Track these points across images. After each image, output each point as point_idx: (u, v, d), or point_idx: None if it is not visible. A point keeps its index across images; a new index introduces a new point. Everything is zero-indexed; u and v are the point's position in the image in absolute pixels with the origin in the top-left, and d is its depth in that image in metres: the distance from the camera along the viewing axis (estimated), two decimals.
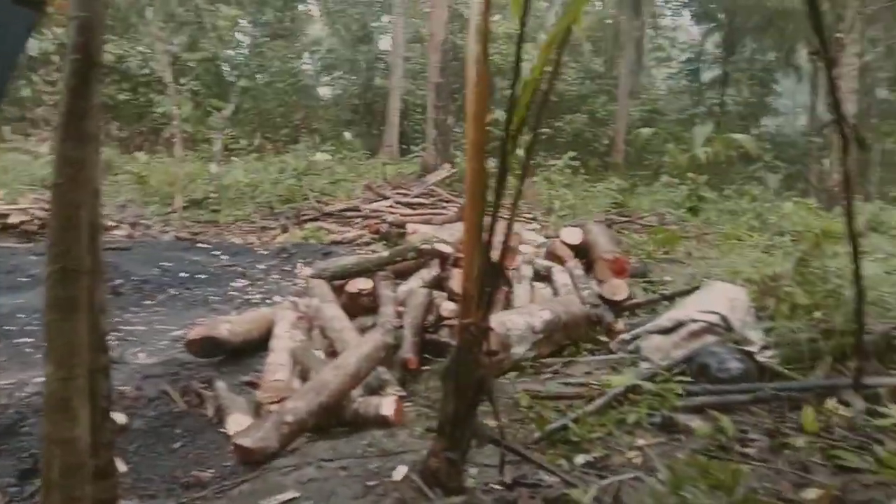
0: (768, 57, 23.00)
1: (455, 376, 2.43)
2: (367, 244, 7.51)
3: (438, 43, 13.64)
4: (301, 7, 23.03)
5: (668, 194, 12.60)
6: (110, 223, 8.22)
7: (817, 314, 3.88)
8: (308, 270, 4.47)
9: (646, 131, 15.73)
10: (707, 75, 25.44)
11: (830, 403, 3.18)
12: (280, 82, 19.81)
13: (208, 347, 3.95)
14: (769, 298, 4.21)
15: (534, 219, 9.27)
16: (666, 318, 4.08)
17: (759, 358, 3.59)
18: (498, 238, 2.52)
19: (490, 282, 2.56)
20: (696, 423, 3.01)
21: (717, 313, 3.93)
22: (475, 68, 2.48)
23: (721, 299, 4.10)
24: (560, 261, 5.05)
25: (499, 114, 2.32)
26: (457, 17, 20.12)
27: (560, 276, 4.78)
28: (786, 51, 22.24)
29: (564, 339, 4.18)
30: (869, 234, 9.13)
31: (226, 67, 18.69)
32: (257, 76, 19.00)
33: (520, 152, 2.56)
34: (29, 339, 4.24)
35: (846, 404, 3.13)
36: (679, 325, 3.97)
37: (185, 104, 10.98)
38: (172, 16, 14.07)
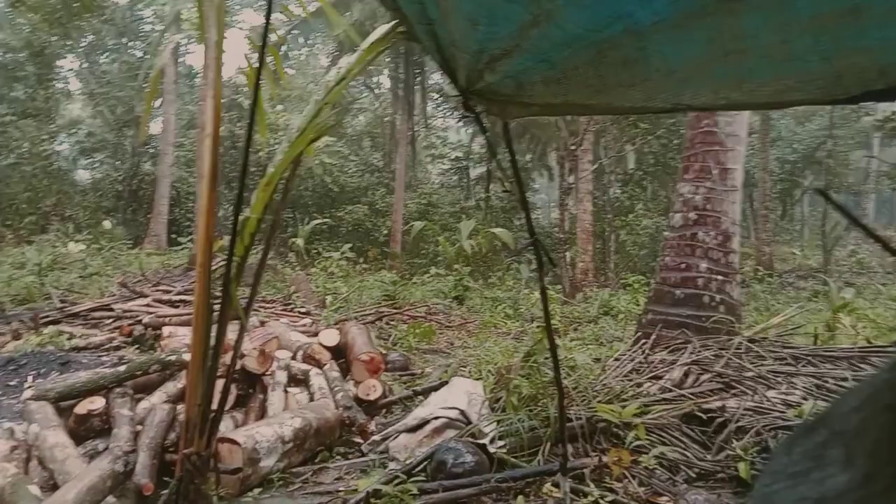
0: (526, 158, 26.08)
1: None
2: (117, 349, 6.85)
3: (209, 134, 13.41)
4: (59, 85, 21.25)
5: (438, 284, 13.38)
6: None
7: (541, 404, 4.40)
8: (29, 392, 4.00)
9: (418, 224, 16.75)
10: (475, 172, 28.18)
11: (546, 487, 3.63)
12: (28, 165, 17.82)
13: None
14: (503, 390, 4.68)
15: (307, 313, 9.24)
16: (412, 417, 4.33)
17: (491, 449, 3.94)
18: (228, 358, 2.56)
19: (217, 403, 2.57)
20: None
21: (456, 408, 4.27)
22: (206, 201, 2.57)
23: (460, 394, 4.46)
24: (318, 363, 5.13)
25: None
26: (234, 105, 20.06)
27: (316, 379, 4.84)
28: (539, 154, 25.59)
29: (317, 445, 4.20)
30: (600, 319, 10.56)
31: None
32: None
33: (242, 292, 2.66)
34: None
35: (558, 486, 3.58)
36: (424, 422, 4.24)
37: None
38: None
